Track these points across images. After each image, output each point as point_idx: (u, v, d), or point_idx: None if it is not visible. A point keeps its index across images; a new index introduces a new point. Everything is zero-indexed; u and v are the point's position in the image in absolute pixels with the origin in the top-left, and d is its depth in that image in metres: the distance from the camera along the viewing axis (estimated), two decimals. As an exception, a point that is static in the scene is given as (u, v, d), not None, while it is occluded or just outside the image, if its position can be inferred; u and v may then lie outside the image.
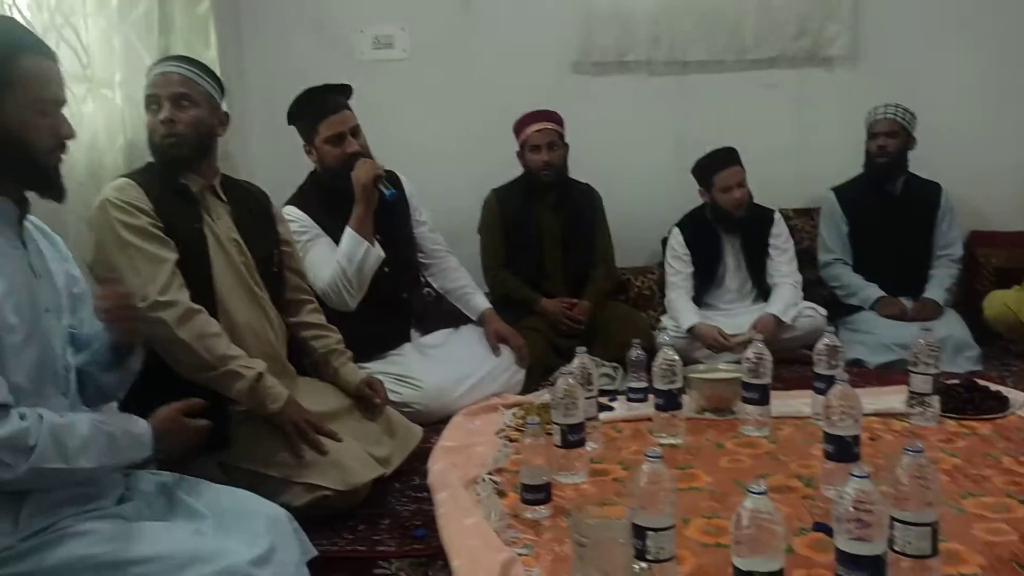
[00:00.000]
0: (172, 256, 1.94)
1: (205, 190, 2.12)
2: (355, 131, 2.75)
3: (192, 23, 3.21)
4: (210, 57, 3.25)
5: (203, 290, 1.99)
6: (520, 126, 3.37)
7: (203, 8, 3.23)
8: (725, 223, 3.40)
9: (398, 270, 2.84)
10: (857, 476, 1.34)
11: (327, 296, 2.64)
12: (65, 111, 1.47)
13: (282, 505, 1.86)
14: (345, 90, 2.80)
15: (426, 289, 3.16)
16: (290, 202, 2.78)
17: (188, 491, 1.57)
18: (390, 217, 2.81)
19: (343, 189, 2.69)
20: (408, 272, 2.95)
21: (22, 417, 1.32)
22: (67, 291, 1.56)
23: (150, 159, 2.20)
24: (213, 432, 1.93)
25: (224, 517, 1.52)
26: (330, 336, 2.38)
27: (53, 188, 1.46)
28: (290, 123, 2.81)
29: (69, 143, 1.48)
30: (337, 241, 2.71)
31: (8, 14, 2.25)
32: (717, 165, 3.35)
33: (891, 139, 3.42)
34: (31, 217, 1.51)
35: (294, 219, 2.68)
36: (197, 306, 1.93)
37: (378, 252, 2.70)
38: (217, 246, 2.07)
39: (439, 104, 3.80)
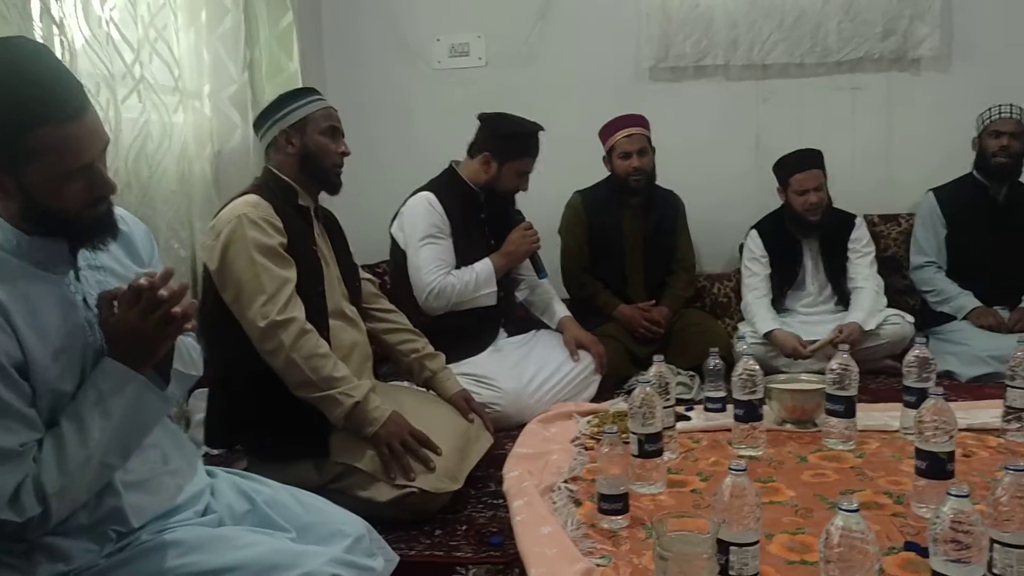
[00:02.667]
0: (293, 276, 2.03)
1: (313, 211, 2.24)
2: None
3: (276, 36, 3.31)
4: (293, 69, 3.34)
5: (317, 309, 2.08)
6: (608, 131, 3.34)
7: (287, 21, 3.32)
8: (801, 227, 3.32)
9: (504, 276, 2.93)
10: (955, 495, 1.28)
11: (429, 298, 2.76)
12: (106, 157, 1.31)
13: (367, 499, 1.91)
14: (542, 129, 2.95)
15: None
16: (428, 189, 2.89)
17: (269, 502, 1.57)
18: (508, 223, 2.94)
19: (484, 202, 2.91)
20: (508, 276, 3.03)
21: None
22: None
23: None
24: (312, 438, 2.00)
25: (305, 532, 1.53)
26: (420, 339, 2.46)
27: (103, 234, 1.33)
28: (496, 135, 2.89)
29: (118, 189, 1.35)
30: (457, 243, 2.84)
31: (103, 30, 2.36)
32: (795, 166, 3.28)
33: (1015, 139, 3.28)
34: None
35: (431, 207, 2.81)
36: (310, 326, 2.00)
37: (494, 298, 2.86)
38: (325, 266, 2.18)
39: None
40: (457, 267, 2.83)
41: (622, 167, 3.29)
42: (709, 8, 3.68)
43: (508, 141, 2.87)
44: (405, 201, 2.90)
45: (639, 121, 3.32)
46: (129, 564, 1.31)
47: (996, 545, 1.37)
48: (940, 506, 1.31)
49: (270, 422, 2.02)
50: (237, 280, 1.97)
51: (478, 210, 2.91)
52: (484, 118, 2.93)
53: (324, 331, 2.08)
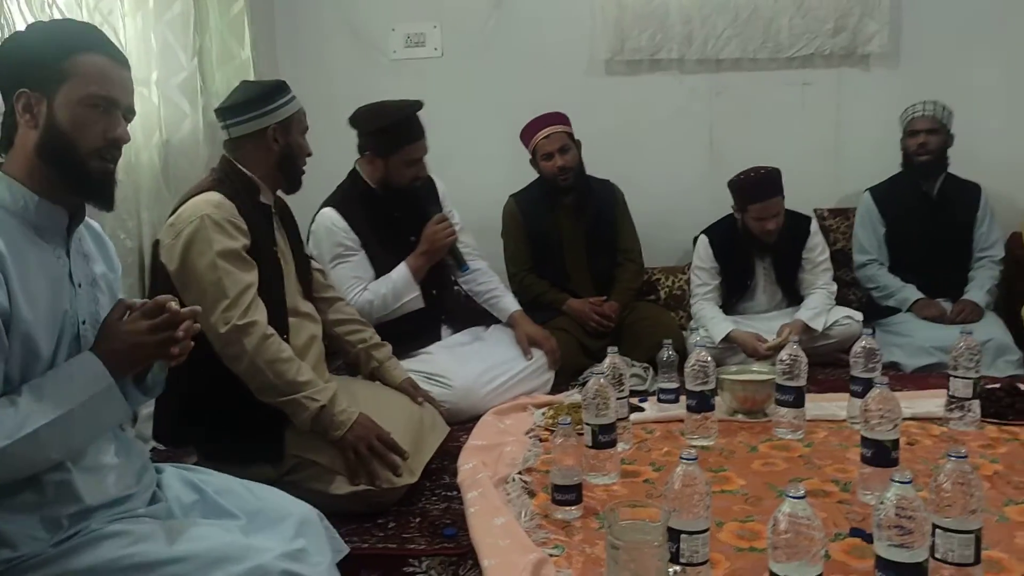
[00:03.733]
0: (255, 279, 1.99)
1: (272, 206, 2.20)
2: (425, 155, 2.84)
3: (227, 23, 3.25)
4: (244, 57, 3.28)
5: (278, 310, 2.05)
6: (527, 134, 3.29)
7: (237, 8, 3.26)
8: (755, 245, 3.29)
9: (431, 268, 2.85)
10: (899, 481, 1.31)
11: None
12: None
13: (323, 492, 1.89)
14: (420, 107, 2.83)
15: (455, 287, 3.16)
16: (329, 204, 2.80)
17: (219, 491, 1.56)
18: (425, 217, 2.84)
19: (391, 202, 2.80)
20: (440, 270, 2.95)
21: None
22: (110, 297, 1.54)
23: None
24: (267, 440, 1.98)
25: (256, 517, 1.52)
26: (367, 330, 2.44)
27: (101, 196, 1.40)
28: (369, 132, 2.80)
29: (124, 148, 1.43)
30: (370, 255, 2.77)
31: (47, 13, 2.29)
32: (754, 194, 3.18)
33: (932, 136, 3.35)
34: (90, 221, 1.48)
35: (335, 228, 2.74)
36: (272, 330, 1.97)
37: (420, 302, 2.80)
38: (285, 264, 2.15)
39: (471, 102, 3.79)
40: (378, 276, 2.77)
41: (547, 168, 3.25)
42: (664, 3, 3.69)
43: (381, 136, 2.76)
44: (313, 218, 2.80)
45: (557, 119, 3.27)
46: (76, 553, 1.29)
47: (938, 530, 1.40)
48: (884, 493, 1.33)
49: (224, 423, 1.98)
50: (199, 283, 1.93)
51: (388, 211, 2.81)
52: (352, 118, 2.83)
53: (284, 332, 2.06)
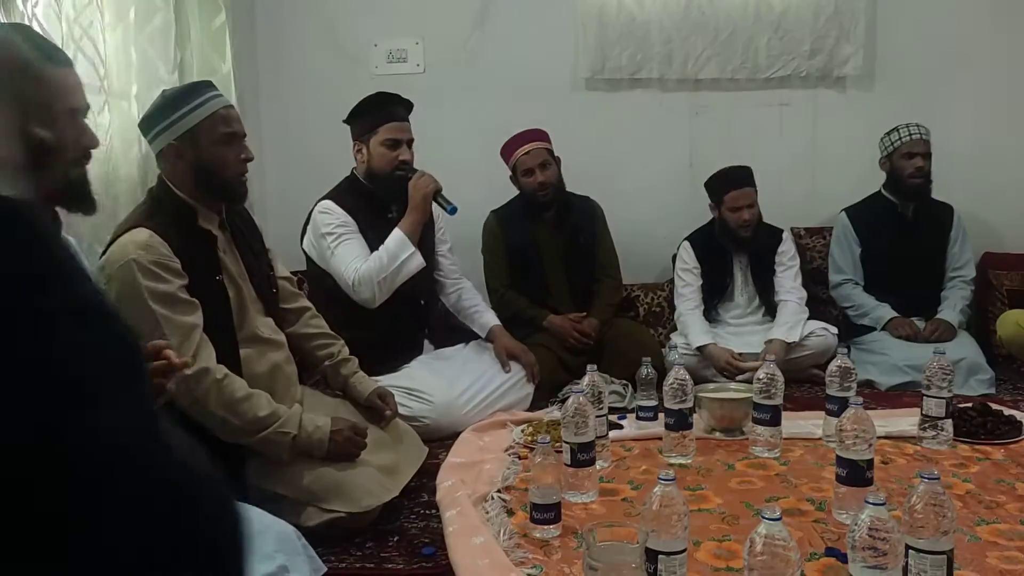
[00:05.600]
0: (199, 320, 1.88)
1: (218, 227, 2.05)
2: (410, 143, 2.85)
3: (208, 37, 3.24)
4: (225, 70, 3.27)
5: (226, 345, 1.95)
6: (507, 150, 3.33)
7: (219, 22, 3.25)
8: (733, 241, 3.40)
9: (419, 277, 2.85)
10: (873, 504, 1.33)
11: (356, 287, 2.69)
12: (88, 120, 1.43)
13: (295, 525, 1.87)
14: (410, 105, 2.88)
15: (439, 302, 3.17)
16: (326, 197, 2.83)
17: None
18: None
19: (381, 195, 2.81)
20: (427, 281, 2.97)
21: None
22: None
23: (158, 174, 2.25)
24: (229, 481, 1.95)
25: None
26: (335, 344, 2.38)
27: (83, 201, 1.39)
28: (351, 117, 2.87)
29: (93, 152, 1.45)
30: (368, 242, 2.76)
31: (26, 25, 2.28)
32: (729, 184, 3.35)
33: (927, 160, 3.40)
34: (65, 236, 1.46)
35: (329, 212, 2.75)
36: (223, 371, 1.88)
37: (420, 260, 2.76)
38: (235, 291, 2.02)
39: (453, 119, 3.81)
40: None
41: (527, 184, 3.29)
42: (645, 22, 3.74)
43: (358, 117, 2.83)
44: (309, 213, 2.85)
45: (537, 135, 3.32)
46: None
47: (911, 551, 1.42)
48: (858, 513, 1.35)
49: None
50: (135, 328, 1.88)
51: (383, 208, 2.83)
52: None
53: (236, 368, 1.96)
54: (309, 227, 2.81)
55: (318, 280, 2.84)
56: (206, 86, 2.05)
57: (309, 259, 2.86)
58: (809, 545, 1.76)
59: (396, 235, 2.74)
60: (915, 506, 1.43)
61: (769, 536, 1.27)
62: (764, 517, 1.29)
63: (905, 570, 1.40)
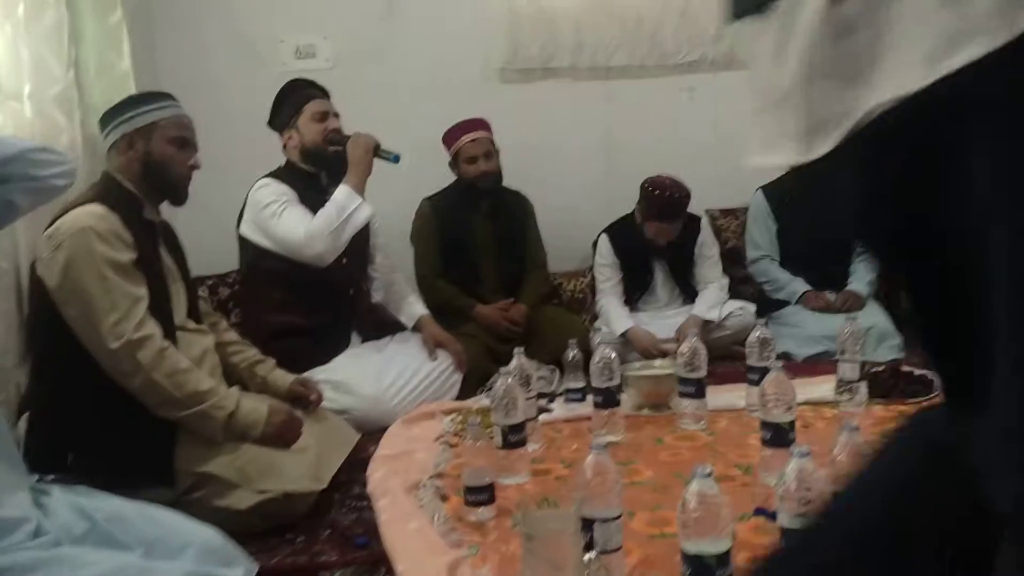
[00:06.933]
0: (145, 294, 1.93)
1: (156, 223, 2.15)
2: (336, 116, 2.89)
3: (104, 33, 3.11)
4: (123, 68, 3.15)
5: (166, 327, 1.98)
6: (451, 137, 3.34)
7: (115, 18, 3.12)
8: (652, 246, 3.46)
9: (351, 264, 2.87)
10: (799, 455, 1.36)
11: (307, 243, 2.66)
12: None
13: (226, 507, 1.83)
14: (326, 91, 2.98)
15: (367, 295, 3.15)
16: (263, 177, 2.83)
17: (111, 519, 1.47)
18: None
19: (321, 170, 2.83)
20: (358, 272, 2.97)
21: None
22: None
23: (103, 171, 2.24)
24: (154, 460, 1.89)
25: (153, 548, 1.44)
26: (249, 349, 2.39)
27: None
28: (273, 112, 2.91)
29: None
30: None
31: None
32: (657, 215, 3.35)
33: None
34: None
35: (268, 186, 2.75)
36: (167, 342, 1.91)
37: (368, 211, 2.76)
38: (172, 282, 2.10)
39: (366, 114, 3.73)
40: None
41: (469, 171, 3.30)
42: (552, 11, 3.76)
43: (281, 108, 2.90)
44: (245, 200, 2.83)
45: (482, 125, 3.35)
46: None
47: (836, 500, 1.46)
48: (785, 466, 1.38)
49: (106, 447, 1.88)
50: (84, 298, 1.84)
51: (322, 189, 2.83)
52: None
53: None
54: (247, 209, 2.78)
55: (254, 265, 2.81)
56: (168, 96, 2.21)
57: (244, 245, 2.82)
58: (739, 508, 1.80)
59: (342, 189, 2.75)
60: (838, 456, 1.47)
61: (701, 492, 1.28)
62: (696, 474, 1.30)
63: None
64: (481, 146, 3.29)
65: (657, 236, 3.41)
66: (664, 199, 3.34)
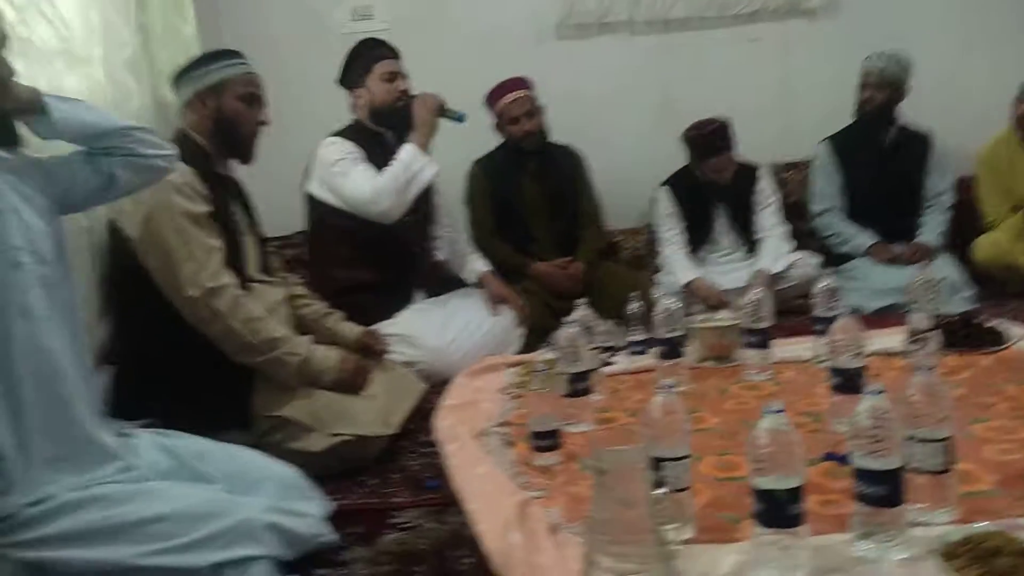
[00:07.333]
0: (221, 244, 1.99)
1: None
2: (405, 77, 2.92)
3: (170, -1, 3.17)
4: (188, 32, 3.22)
5: (240, 276, 2.05)
6: (492, 99, 3.33)
7: (179, -17, 3.18)
8: (712, 189, 3.43)
9: (417, 222, 2.92)
10: (872, 392, 1.34)
11: (375, 200, 2.71)
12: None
13: (301, 450, 1.89)
14: (397, 51, 3.00)
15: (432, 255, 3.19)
16: (331, 136, 2.87)
17: (195, 455, 1.55)
18: None
19: (389, 128, 2.88)
20: (423, 232, 3.02)
21: None
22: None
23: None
24: (233, 406, 1.96)
25: (234, 480, 1.51)
26: (317, 302, 2.43)
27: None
28: (344, 71, 2.94)
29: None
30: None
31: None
32: (706, 150, 3.35)
33: (878, 91, 3.42)
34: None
35: (336, 143, 2.80)
36: (242, 291, 1.98)
37: (434, 169, 2.79)
38: (242, 235, 2.16)
39: (422, 74, 3.73)
40: None
41: (513, 132, 3.30)
42: (611, -37, 3.70)
43: (352, 67, 2.92)
44: (312, 157, 2.87)
45: (522, 84, 3.33)
46: (52, 519, 1.26)
47: (910, 441, 1.43)
48: (858, 406, 1.36)
49: (187, 392, 1.96)
50: (163, 248, 1.91)
51: (389, 150, 2.86)
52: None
53: None
54: (314, 166, 2.83)
55: (321, 222, 2.86)
56: (240, 54, 2.23)
57: (311, 203, 2.87)
58: (809, 452, 1.78)
59: (407, 148, 2.78)
60: (912, 396, 1.44)
61: (772, 428, 1.28)
62: (766, 411, 1.29)
63: (905, 461, 1.42)
64: (522, 105, 3.28)
65: (717, 173, 3.37)
66: (704, 135, 3.34)
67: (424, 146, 2.79)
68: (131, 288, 1.99)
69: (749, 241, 3.49)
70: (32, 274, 1.35)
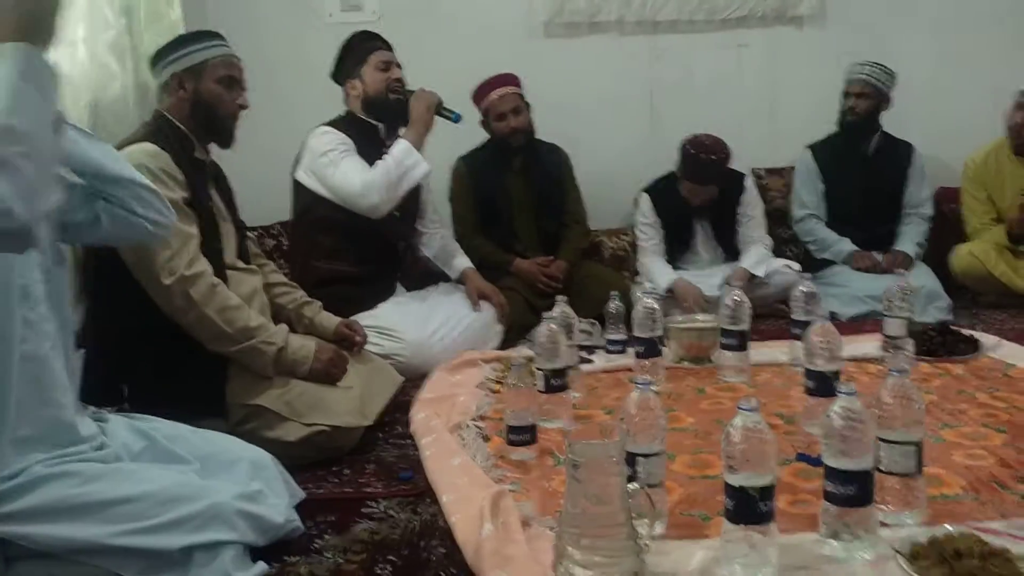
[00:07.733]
0: (197, 232, 1.96)
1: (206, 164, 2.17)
2: (399, 67, 2.91)
3: (155, -19, 3.14)
4: (174, 18, 3.19)
5: (216, 265, 2.01)
6: (479, 95, 3.32)
7: (165, -34, 3.15)
8: (694, 207, 3.43)
9: (403, 218, 2.90)
10: (845, 393, 1.36)
11: (362, 195, 2.70)
12: None
13: (276, 439, 1.88)
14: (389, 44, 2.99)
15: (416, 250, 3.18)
16: (323, 125, 2.86)
17: (168, 437, 1.54)
18: None
19: (382, 119, 2.87)
20: (408, 226, 3.00)
21: None
22: None
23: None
24: (210, 395, 1.94)
25: (208, 462, 1.50)
26: (296, 291, 2.40)
27: None
28: (337, 62, 2.93)
29: None
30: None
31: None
32: (693, 176, 3.34)
33: (861, 100, 3.45)
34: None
35: (328, 133, 2.78)
36: (218, 279, 1.95)
37: (426, 167, 2.78)
38: (222, 221, 2.13)
39: (410, 67, 3.70)
40: None
41: (499, 129, 3.28)
42: (602, -37, 3.71)
43: (346, 58, 2.90)
44: (302, 145, 2.84)
45: (509, 80, 3.31)
46: (21, 494, 1.25)
47: (882, 443, 1.45)
48: (832, 406, 1.38)
49: (161, 381, 1.93)
50: None
51: (380, 142, 2.85)
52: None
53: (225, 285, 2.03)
54: (304, 154, 2.80)
55: (307, 210, 2.83)
56: (220, 36, 2.18)
57: (298, 190, 2.85)
58: (781, 453, 1.79)
59: (401, 143, 2.77)
60: (884, 399, 1.46)
61: (746, 426, 1.29)
62: (740, 408, 1.30)
63: (876, 463, 1.43)
64: (509, 102, 3.26)
65: (690, 196, 3.38)
66: (699, 160, 3.31)
67: (418, 142, 2.77)
68: (106, 274, 1.96)
69: (729, 253, 3.49)
70: (34, 258, 1.34)
